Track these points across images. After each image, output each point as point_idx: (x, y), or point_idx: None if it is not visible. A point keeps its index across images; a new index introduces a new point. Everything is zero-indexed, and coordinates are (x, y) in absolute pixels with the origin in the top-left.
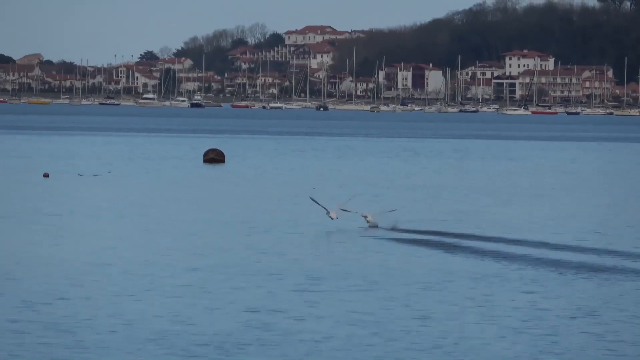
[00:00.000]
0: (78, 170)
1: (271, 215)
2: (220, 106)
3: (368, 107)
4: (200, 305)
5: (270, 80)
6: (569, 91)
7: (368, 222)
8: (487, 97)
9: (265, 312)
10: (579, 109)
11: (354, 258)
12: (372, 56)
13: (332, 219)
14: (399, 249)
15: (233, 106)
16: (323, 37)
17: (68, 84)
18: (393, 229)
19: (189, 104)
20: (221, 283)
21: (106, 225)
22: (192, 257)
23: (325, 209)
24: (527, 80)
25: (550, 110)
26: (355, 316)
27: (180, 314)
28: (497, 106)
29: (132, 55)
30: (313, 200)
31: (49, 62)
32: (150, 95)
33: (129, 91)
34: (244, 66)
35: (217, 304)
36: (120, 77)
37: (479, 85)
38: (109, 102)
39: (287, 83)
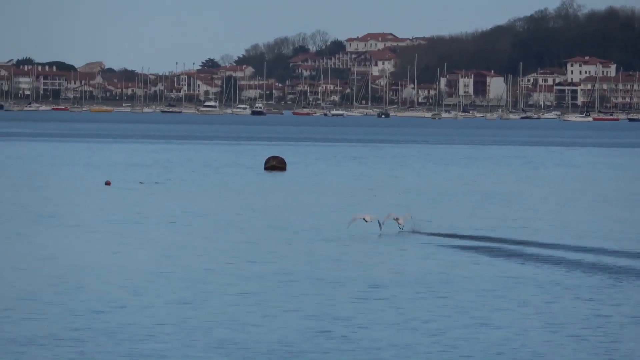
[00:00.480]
0: (139, 178)
1: (331, 223)
2: (282, 114)
3: (429, 114)
4: (259, 313)
5: (332, 87)
6: (631, 97)
7: (400, 224)
8: (549, 103)
9: (324, 319)
10: None
11: (413, 265)
12: (434, 63)
13: (367, 221)
14: (459, 256)
15: (294, 113)
16: (384, 44)
17: (129, 91)
18: (452, 235)
19: (250, 112)
20: (280, 290)
21: (167, 233)
22: (252, 264)
23: (364, 218)
24: (589, 86)
25: (612, 117)
26: (415, 323)
27: (239, 321)
28: (558, 113)
29: (194, 63)
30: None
31: (110, 70)
32: (212, 103)
33: (191, 99)
34: (305, 73)
35: (276, 312)
36: (182, 84)
37: (541, 91)
38: (170, 109)
39: (348, 90)
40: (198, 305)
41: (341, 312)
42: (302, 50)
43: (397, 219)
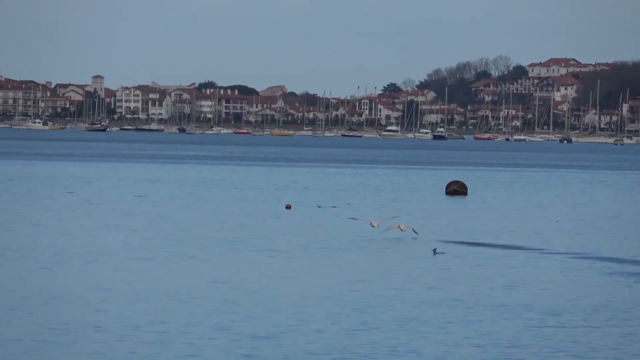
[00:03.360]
0: (317, 202)
1: (510, 249)
2: (463, 138)
3: (611, 140)
4: (433, 339)
5: (513, 112)
6: None
7: (402, 230)
8: None
9: (500, 346)
10: None
11: (591, 292)
12: (616, 88)
13: (374, 227)
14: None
15: (476, 138)
16: (567, 70)
17: (311, 115)
18: (632, 262)
19: (432, 136)
20: (458, 317)
21: (341, 258)
22: (425, 290)
23: (369, 222)
24: None
25: None
26: (590, 351)
27: (410, 348)
28: None
29: (375, 87)
30: (353, 218)
31: (292, 93)
32: (393, 127)
33: (372, 123)
34: (487, 98)
35: (453, 339)
36: (363, 109)
37: None
38: (351, 134)
39: (530, 115)
40: (368, 331)
41: (517, 339)
42: (484, 75)
43: (399, 226)
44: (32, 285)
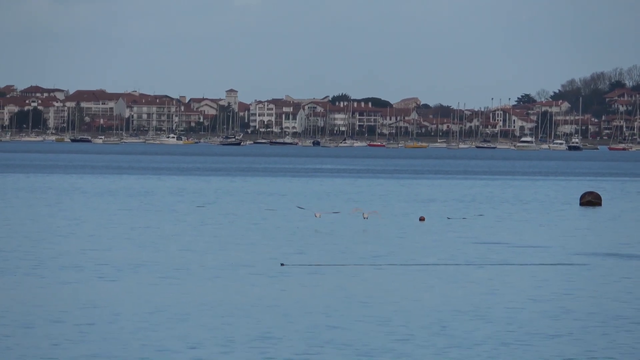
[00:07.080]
0: (447, 214)
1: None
2: (597, 149)
3: None
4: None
5: None
6: None
7: (317, 217)
8: None
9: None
10: None
11: None
12: None
13: (316, 217)
14: None
15: (610, 149)
16: None
17: (444, 127)
18: None
19: (567, 147)
20: (577, 328)
21: (471, 271)
22: (554, 302)
23: (314, 213)
24: None
25: None
26: None
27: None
28: None
29: (509, 99)
30: (300, 207)
31: (425, 105)
32: (528, 139)
33: (506, 134)
34: (622, 108)
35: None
36: (497, 120)
37: None
38: (485, 145)
39: None
40: (518, 346)
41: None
42: (618, 85)
43: (363, 214)
44: (177, 298)
